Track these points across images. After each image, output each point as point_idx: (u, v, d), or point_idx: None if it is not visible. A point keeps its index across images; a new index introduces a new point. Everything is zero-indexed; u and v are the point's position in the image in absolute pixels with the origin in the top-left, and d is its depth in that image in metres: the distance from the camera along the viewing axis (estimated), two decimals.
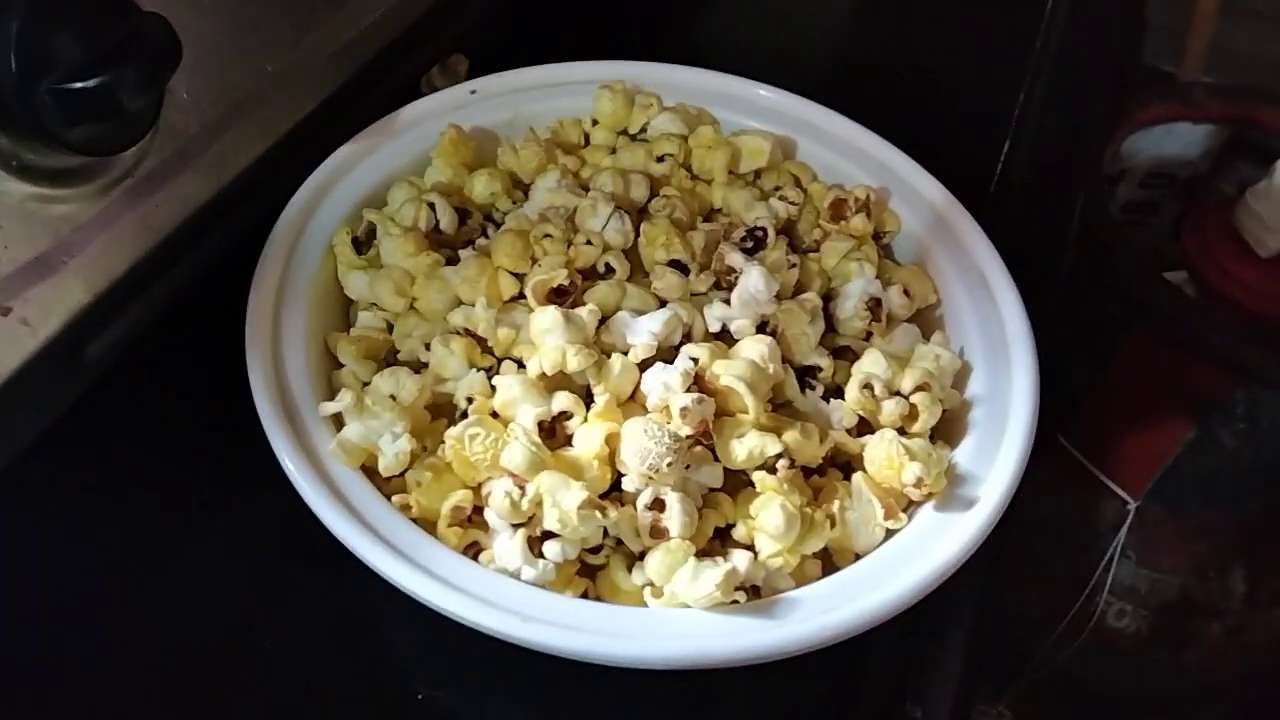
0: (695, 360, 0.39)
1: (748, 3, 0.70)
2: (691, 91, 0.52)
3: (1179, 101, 0.91)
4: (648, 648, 0.34)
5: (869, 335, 0.45)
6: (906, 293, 0.45)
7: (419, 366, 0.41)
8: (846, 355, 0.44)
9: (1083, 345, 0.80)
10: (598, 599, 0.38)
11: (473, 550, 0.37)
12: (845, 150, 0.50)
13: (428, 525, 0.38)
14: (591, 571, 0.38)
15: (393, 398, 0.39)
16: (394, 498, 0.38)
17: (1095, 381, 0.86)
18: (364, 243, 0.44)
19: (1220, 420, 0.84)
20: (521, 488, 0.36)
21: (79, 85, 0.35)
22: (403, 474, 0.38)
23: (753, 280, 0.41)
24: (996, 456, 0.40)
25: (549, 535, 0.36)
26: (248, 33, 0.45)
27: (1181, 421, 0.84)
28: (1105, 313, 0.84)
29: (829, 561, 0.39)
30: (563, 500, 0.35)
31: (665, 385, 0.38)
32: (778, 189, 0.49)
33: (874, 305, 0.44)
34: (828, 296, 0.45)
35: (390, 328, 0.43)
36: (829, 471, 0.41)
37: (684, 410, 0.37)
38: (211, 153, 0.44)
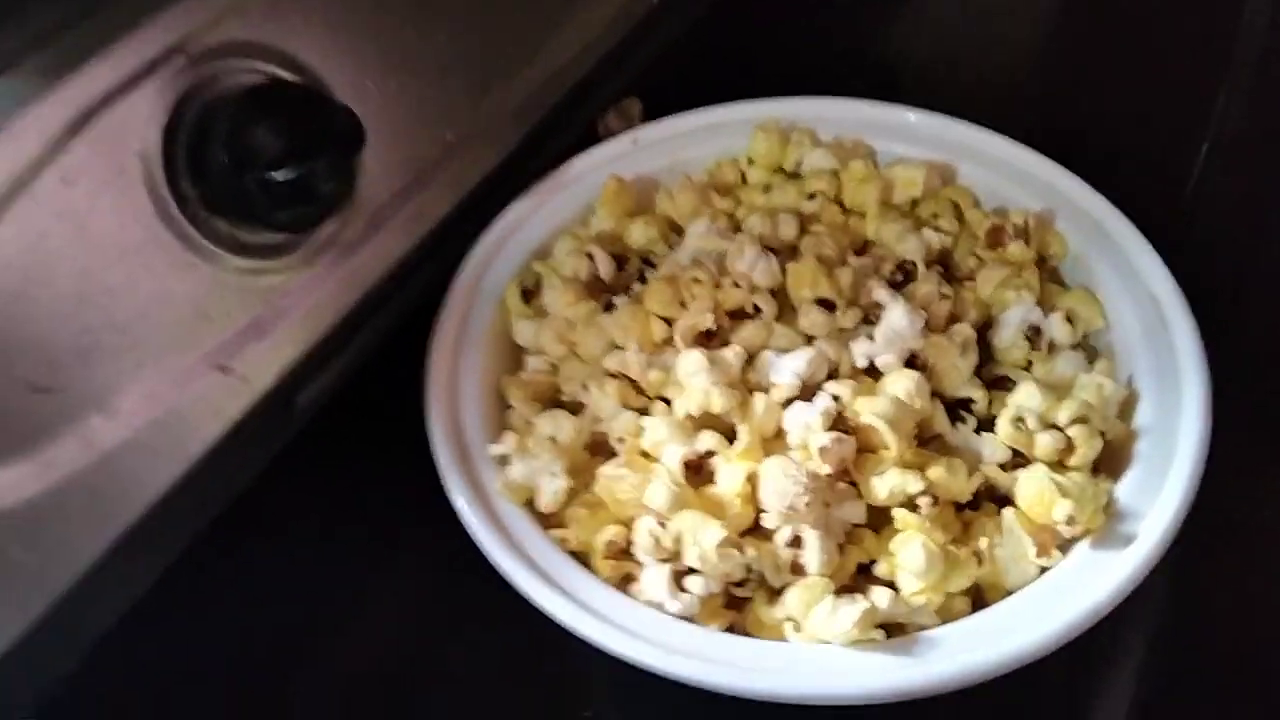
0: (836, 398, 0.40)
1: (938, 29, 0.68)
2: (847, 123, 0.52)
3: None
4: (781, 683, 0.35)
5: (1031, 364, 0.44)
6: (1070, 319, 0.44)
7: (580, 408, 0.44)
8: (1006, 385, 0.43)
9: None
10: (745, 632, 0.39)
11: (626, 582, 0.40)
12: (1008, 172, 0.49)
13: (586, 558, 0.40)
14: (739, 604, 0.40)
15: (553, 439, 0.42)
16: (553, 532, 0.41)
17: None
18: (533, 293, 0.48)
19: None
20: (664, 525, 0.38)
21: (279, 175, 0.41)
22: (563, 510, 0.41)
23: (895, 317, 0.41)
24: (1161, 491, 0.38)
25: (692, 570, 0.38)
26: (428, 107, 0.49)
27: None
28: None
29: (980, 597, 0.39)
30: (702, 538, 0.37)
31: (805, 424, 0.39)
32: (936, 216, 0.48)
33: (1033, 334, 0.43)
34: (988, 324, 0.45)
35: (556, 371, 0.46)
36: (983, 505, 0.41)
37: (822, 449, 0.38)
38: (400, 219, 0.48)
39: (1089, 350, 0.44)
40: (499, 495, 0.41)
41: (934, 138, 0.51)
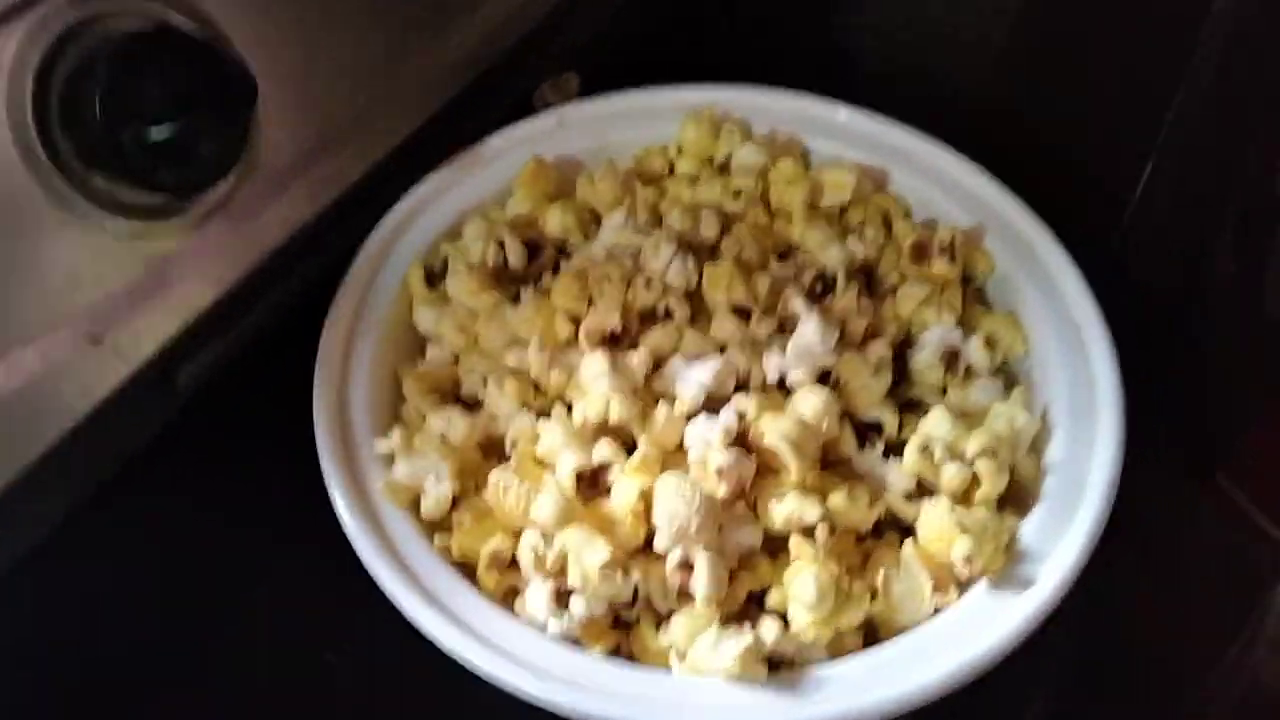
0: (742, 415, 0.38)
1: (891, 25, 0.66)
2: (782, 116, 0.50)
3: None
4: (654, 716, 0.34)
5: (946, 388, 0.42)
6: (990, 343, 0.42)
7: (479, 404, 0.42)
8: (920, 410, 0.42)
9: (1248, 378, 0.73)
10: (630, 656, 0.37)
11: (511, 597, 0.38)
12: (941, 182, 0.47)
13: (471, 567, 0.38)
14: (628, 626, 0.38)
15: (444, 438, 0.40)
16: (435, 538, 0.38)
17: (1260, 417, 0.79)
18: (439, 276, 0.45)
19: None
20: (548, 540, 0.36)
21: (155, 131, 0.37)
22: (451, 512, 0.39)
23: (808, 331, 0.39)
24: (1066, 533, 0.37)
25: (576, 590, 0.36)
26: (340, 66, 0.46)
27: None
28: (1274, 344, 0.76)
29: (873, 634, 0.37)
30: (585, 557, 0.35)
31: (706, 440, 0.38)
32: (863, 224, 0.46)
33: (951, 357, 0.42)
34: (907, 343, 0.43)
35: (457, 362, 0.44)
36: (886, 534, 0.39)
37: (720, 470, 0.36)
38: (302, 185, 0.45)
39: (1008, 375, 0.43)
40: (381, 495, 0.39)
41: (869, 139, 0.49)
